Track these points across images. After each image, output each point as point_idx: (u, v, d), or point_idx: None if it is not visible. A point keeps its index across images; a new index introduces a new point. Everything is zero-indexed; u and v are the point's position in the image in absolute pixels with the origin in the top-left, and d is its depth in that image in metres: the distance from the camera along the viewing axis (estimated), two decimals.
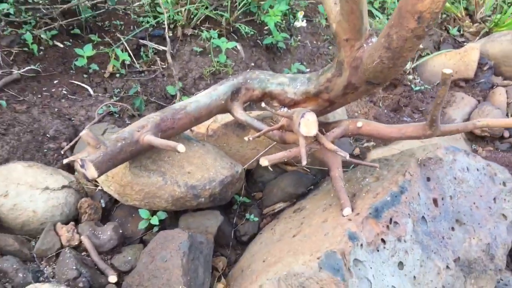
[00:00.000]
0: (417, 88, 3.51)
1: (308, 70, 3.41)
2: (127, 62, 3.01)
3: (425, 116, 3.32)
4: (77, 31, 3.05)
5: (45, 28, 2.89)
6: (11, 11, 2.61)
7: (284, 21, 3.34)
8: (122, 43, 3.05)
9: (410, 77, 3.66)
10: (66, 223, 1.91)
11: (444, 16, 4.42)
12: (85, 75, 2.89)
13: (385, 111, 3.31)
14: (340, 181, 1.89)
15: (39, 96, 2.69)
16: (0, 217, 1.89)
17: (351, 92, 1.92)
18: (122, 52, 2.89)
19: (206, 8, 3.20)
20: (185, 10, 3.14)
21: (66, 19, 2.95)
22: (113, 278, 1.73)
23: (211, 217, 2.00)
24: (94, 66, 2.88)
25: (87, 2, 2.81)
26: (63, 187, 1.97)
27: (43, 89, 2.76)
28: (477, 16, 4.59)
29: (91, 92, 2.79)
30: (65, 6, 2.74)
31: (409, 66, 3.71)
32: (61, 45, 2.98)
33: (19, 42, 2.83)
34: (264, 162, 1.74)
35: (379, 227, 1.76)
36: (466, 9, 4.58)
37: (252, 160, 2.28)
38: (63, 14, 2.95)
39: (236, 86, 2.17)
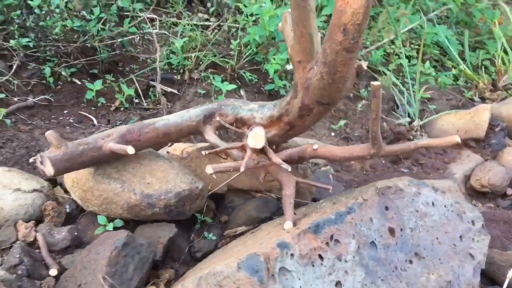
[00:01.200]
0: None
1: None
2: (136, 100, 3.23)
3: (424, 169, 3.27)
4: (95, 71, 3.33)
5: (65, 65, 3.19)
6: (31, 44, 2.91)
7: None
8: (134, 83, 3.29)
9: (417, 133, 3.65)
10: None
11: (464, 83, 4.42)
12: (93, 108, 3.13)
13: (383, 161, 3.29)
14: (289, 198, 1.90)
15: (47, 122, 2.93)
16: None
17: (307, 114, 1.98)
18: (128, 88, 3.11)
19: (214, 56, 3.42)
20: (194, 57, 3.37)
21: (86, 56, 3.24)
22: (53, 272, 1.80)
23: (166, 229, 2.05)
24: (102, 100, 3.12)
25: (103, 42, 3.08)
26: (34, 190, 2.12)
27: (52, 116, 3.00)
28: (499, 84, 4.57)
29: (95, 122, 3.01)
30: (78, 44, 3.01)
31: (416, 123, 3.71)
32: (79, 82, 3.27)
33: (39, 75, 3.14)
34: (209, 170, 1.81)
35: (317, 242, 1.74)
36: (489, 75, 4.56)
37: (222, 184, 2.34)
38: (83, 52, 3.25)
39: (210, 110, 2.29)
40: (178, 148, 2.39)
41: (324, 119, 3.55)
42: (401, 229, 1.98)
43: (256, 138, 1.83)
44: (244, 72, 3.37)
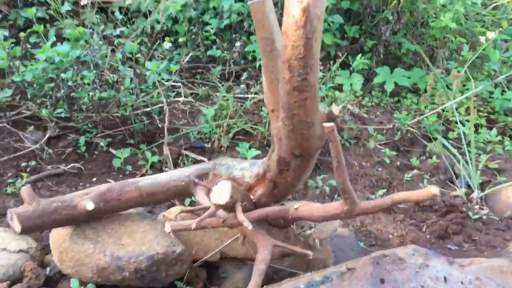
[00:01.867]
0: (476, 216, 3.02)
1: None
2: (166, 169, 3.22)
3: (478, 247, 2.80)
4: (131, 141, 3.41)
5: (101, 135, 3.30)
6: (63, 115, 3.07)
7: None
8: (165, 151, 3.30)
9: (476, 206, 3.19)
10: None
11: None
12: (121, 176, 3.16)
13: (428, 236, 2.88)
14: (260, 263, 1.67)
15: (73, 188, 2.99)
16: None
17: (286, 169, 1.79)
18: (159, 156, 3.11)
19: (245, 123, 3.36)
20: (225, 124, 3.34)
21: (122, 126, 3.33)
22: None
23: None
24: (129, 168, 3.14)
25: (135, 112, 3.17)
26: (20, 251, 2.09)
27: (80, 184, 3.07)
28: None
29: None
30: (110, 114, 3.12)
31: (476, 195, 3.26)
32: (114, 152, 3.35)
33: (75, 145, 3.27)
34: (167, 228, 1.66)
35: None
36: None
37: (214, 251, 2.15)
38: (119, 123, 3.35)
39: (203, 170, 2.17)
40: (173, 211, 2.27)
41: (363, 189, 3.26)
42: None
43: (220, 192, 1.66)
44: None
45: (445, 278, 1.70)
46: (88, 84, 2.93)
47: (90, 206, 1.78)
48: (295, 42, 1.31)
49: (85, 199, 1.92)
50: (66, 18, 3.70)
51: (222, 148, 3.31)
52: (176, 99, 3.38)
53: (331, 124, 1.35)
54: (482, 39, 3.87)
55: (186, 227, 1.69)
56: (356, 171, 3.38)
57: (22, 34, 3.11)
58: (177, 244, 2.00)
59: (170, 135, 3.43)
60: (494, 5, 5.10)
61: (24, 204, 1.87)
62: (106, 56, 3.05)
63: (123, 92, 3.11)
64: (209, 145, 3.35)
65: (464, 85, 4.31)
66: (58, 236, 1.99)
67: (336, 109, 1.55)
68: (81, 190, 2.00)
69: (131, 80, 3.14)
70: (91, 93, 2.89)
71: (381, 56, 4.29)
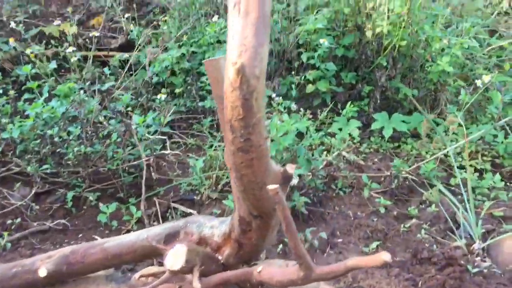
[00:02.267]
0: (476, 270, 2.85)
1: (340, 240, 3.11)
2: (155, 223, 3.16)
3: None
4: (121, 195, 3.38)
5: (90, 189, 3.29)
6: (48, 171, 3.06)
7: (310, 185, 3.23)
8: (154, 205, 3.26)
9: (477, 258, 3.02)
10: None
11: None
12: (107, 231, 3.10)
13: None
14: None
15: (57, 246, 2.95)
16: None
17: (248, 230, 1.71)
18: (137, 211, 3.06)
19: None
20: (213, 176, 3.29)
21: (110, 180, 3.31)
22: None
23: None
24: (114, 223, 3.09)
25: (122, 165, 3.15)
26: None
27: (65, 241, 3.02)
28: None
29: None
30: (96, 168, 3.10)
31: (477, 246, 3.10)
32: (105, 206, 3.31)
33: (63, 200, 3.25)
34: None
35: None
36: None
37: None
38: (107, 177, 3.33)
39: (174, 229, 2.10)
40: (146, 270, 2.19)
41: (357, 241, 3.13)
42: None
43: (176, 257, 1.59)
44: None
45: None
46: (74, 140, 2.93)
47: (42, 272, 1.72)
48: (233, 103, 1.27)
49: (46, 262, 1.86)
50: (52, 76, 3.78)
51: (212, 201, 3.24)
52: (163, 151, 3.34)
53: (275, 186, 1.28)
54: (479, 82, 3.79)
55: None
56: (350, 222, 3.26)
57: (11, 93, 3.16)
58: None
59: (160, 188, 3.39)
60: (498, 45, 5.05)
61: None
62: (92, 112, 3.06)
63: (110, 146, 3.10)
64: (198, 198, 3.28)
65: (468, 128, 4.21)
66: None
67: (291, 168, 1.48)
68: (44, 254, 1.94)
69: (123, 134, 3.14)
70: (76, 149, 2.88)
71: (378, 101, 4.23)
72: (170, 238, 2.08)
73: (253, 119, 1.30)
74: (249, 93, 1.25)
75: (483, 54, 4.98)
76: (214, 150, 3.42)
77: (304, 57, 4.15)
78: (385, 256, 1.38)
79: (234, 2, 1.20)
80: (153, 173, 3.37)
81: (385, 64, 4.10)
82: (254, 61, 1.22)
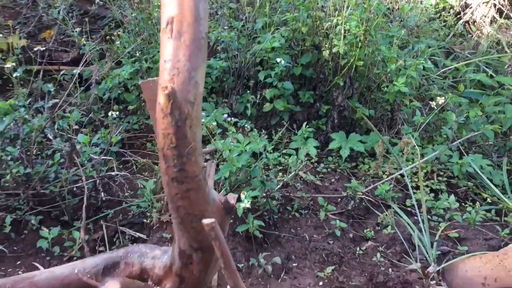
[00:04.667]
0: None
1: (295, 264, 3.02)
2: (101, 248, 2.99)
3: None
4: (65, 218, 3.19)
5: (31, 212, 3.09)
6: None
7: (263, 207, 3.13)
8: (102, 229, 3.09)
9: (432, 282, 2.99)
10: None
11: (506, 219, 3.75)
12: (48, 258, 2.91)
13: None
14: None
15: None
16: None
17: (189, 262, 1.59)
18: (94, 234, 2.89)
19: None
20: (165, 198, 3.15)
21: (54, 203, 3.12)
22: None
23: None
24: (57, 249, 2.91)
25: (65, 187, 2.98)
26: None
27: (2, 268, 2.81)
28: None
29: None
30: (37, 191, 2.92)
31: (432, 269, 3.06)
32: (46, 230, 3.11)
33: (1, 224, 3.03)
34: None
35: None
36: None
37: None
38: (54, 198, 3.14)
39: (113, 259, 1.96)
40: None
41: (313, 265, 3.04)
42: None
43: None
44: None
45: None
46: (13, 160, 2.74)
47: None
48: (164, 131, 1.17)
49: None
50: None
51: (163, 224, 3.10)
52: (109, 173, 3.18)
53: (210, 220, 1.18)
54: (433, 104, 3.81)
55: None
56: (306, 245, 3.18)
57: None
58: None
59: (109, 210, 3.23)
60: (453, 67, 5.14)
61: None
62: (34, 130, 2.88)
63: (53, 167, 2.92)
64: (148, 221, 3.14)
65: (424, 148, 4.23)
66: None
67: (232, 198, 1.38)
68: None
69: (68, 154, 2.97)
70: (14, 170, 2.70)
71: (336, 121, 4.21)
72: (109, 269, 1.94)
73: (186, 148, 1.19)
74: (181, 120, 1.15)
75: (438, 75, 5.06)
76: None
77: (261, 76, 4.09)
78: None
79: (167, 21, 1.10)
80: (102, 193, 3.21)
81: (342, 83, 4.08)
82: (187, 86, 1.13)
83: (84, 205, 2.72)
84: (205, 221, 1.20)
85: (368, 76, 4.31)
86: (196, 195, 1.30)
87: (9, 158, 2.76)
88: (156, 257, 1.89)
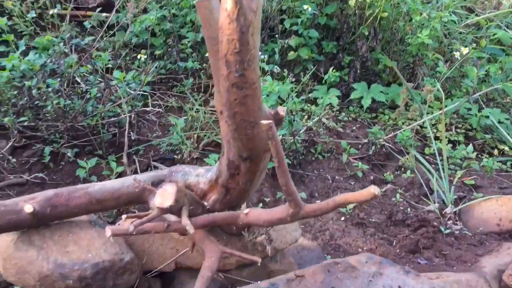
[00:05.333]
0: (448, 231, 2.96)
1: (318, 201, 3.16)
2: None
3: (448, 261, 2.73)
4: (100, 152, 3.34)
5: (68, 145, 3.24)
6: (26, 123, 3.00)
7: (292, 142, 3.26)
8: (134, 163, 3.24)
9: (450, 222, 3.13)
10: None
11: None
12: None
13: (398, 250, 2.81)
14: (205, 271, 1.60)
15: None
16: None
17: (236, 173, 1.73)
18: (117, 166, 3.04)
19: (216, 135, 3.31)
20: (195, 136, 3.29)
21: (90, 136, 3.27)
22: None
23: None
24: (94, 178, 3.07)
25: (102, 121, 3.11)
26: None
27: None
28: None
29: None
30: (76, 124, 3.06)
31: (449, 209, 3.21)
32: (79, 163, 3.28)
33: (40, 155, 3.19)
34: (107, 232, 1.59)
35: None
36: None
37: (169, 261, 2.07)
38: (88, 133, 3.28)
39: (159, 177, 2.10)
40: (129, 220, 2.19)
41: None
42: None
43: (164, 196, 1.60)
44: None
45: (399, 287, 1.63)
46: (53, 93, 2.87)
47: (28, 208, 1.71)
48: (229, 36, 1.27)
49: (30, 203, 1.84)
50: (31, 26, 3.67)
51: (193, 160, 3.25)
52: (144, 108, 3.31)
53: (268, 121, 1.30)
54: (457, 54, 3.87)
55: (126, 231, 1.62)
56: (328, 185, 3.32)
57: None
58: (126, 252, 1.92)
59: (140, 146, 3.37)
60: (474, 21, 5.14)
61: None
62: (72, 66, 2.99)
63: (90, 102, 3.06)
64: (179, 157, 3.28)
65: (441, 102, 4.30)
66: (1, 243, 1.90)
67: (282, 110, 1.50)
68: (27, 196, 1.93)
69: (103, 90, 3.10)
70: (55, 102, 2.83)
71: (358, 71, 4.28)
72: (155, 185, 2.07)
73: (248, 55, 1.30)
74: (245, 26, 1.26)
75: (459, 33, 5.07)
76: (196, 111, 3.41)
77: (287, 24, 4.14)
78: (374, 189, 1.42)
79: None
80: (131, 133, 3.35)
81: (367, 33, 4.13)
82: None
83: (126, 132, 2.86)
84: (263, 122, 1.33)
85: (392, 28, 4.35)
86: (252, 102, 1.41)
87: (50, 90, 2.88)
88: (200, 174, 2.03)
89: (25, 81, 2.85)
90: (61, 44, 3.04)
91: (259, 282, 1.53)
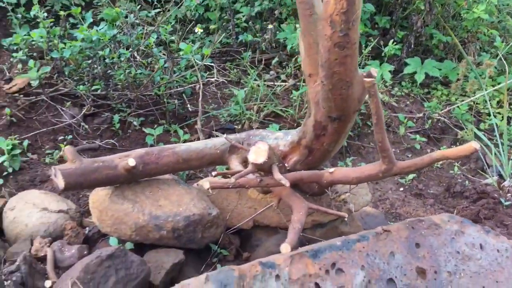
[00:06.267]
0: (508, 202, 2.99)
1: None
2: None
3: (510, 231, 2.77)
4: (163, 121, 3.48)
5: (134, 114, 3.39)
6: (99, 92, 3.16)
7: None
8: (196, 132, 3.37)
9: (508, 195, 3.16)
10: None
11: None
12: None
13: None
14: (295, 223, 1.70)
15: None
16: (4, 227, 2.14)
17: (322, 134, 1.81)
18: (184, 134, 3.17)
19: (275, 106, 3.40)
20: (255, 107, 3.38)
21: (154, 106, 3.41)
22: (47, 283, 1.77)
23: (172, 255, 1.92)
24: (161, 144, 3.20)
25: (167, 91, 3.24)
26: (60, 211, 2.16)
27: None
28: None
29: None
30: (143, 93, 3.19)
31: (508, 183, 3.23)
32: (146, 130, 3.42)
33: (109, 122, 3.35)
34: (205, 184, 1.71)
35: (315, 268, 1.50)
36: None
37: (247, 219, 2.19)
38: (152, 102, 3.42)
39: (237, 140, 2.21)
40: (208, 180, 2.31)
41: None
42: (435, 272, 1.64)
43: (258, 153, 1.70)
44: None
45: (481, 245, 1.70)
46: (124, 62, 3.01)
47: (131, 162, 1.84)
48: None
49: (124, 160, 1.98)
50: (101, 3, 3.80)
51: (252, 129, 3.34)
52: (209, 78, 3.42)
53: (371, 78, 1.38)
54: None
55: (224, 184, 1.73)
56: None
57: (61, 13, 3.20)
58: (213, 207, 2.05)
59: (201, 116, 3.48)
60: None
61: (67, 162, 1.94)
62: (142, 37, 3.12)
63: (157, 72, 3.18)
64: (239, 127, 3.39)
65: (494, 80, 4.27)
66: (97, 197, 2.05)
67: (374, 71, 1.57)
68: (121, 153, 2.06)
69: (164, 61, 3.22)
70: (127, 71, 2.96)
71: (412, 46, 4.28)
72: (234, 148, 2.19)
73: (353, 15, 1.37)
74: None
75: None
76: (255, 82, 3.49)
77: None
78: (475, 144, 1.49)
79: None
80: (188, 105, 3.46)
81: (423, 7, 4.11)
82: None
83: (200, 99, 2.98)
84: (367, 78, 1.40)
85: (446, 3, 4.32)
86: (351, 61, 1.49)
87: (121, 59, 3.01)
88: (278, 137, 2.13)
89: (98, 51, 2.98)
90: (131, 15, 3.15)
91: (350, 235, 1.62)
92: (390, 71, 4.11)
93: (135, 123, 3.34)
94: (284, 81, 3.77)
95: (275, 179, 1.69)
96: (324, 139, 1.83)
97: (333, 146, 1.85)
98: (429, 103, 3.73)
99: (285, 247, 1.57)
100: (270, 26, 3.84)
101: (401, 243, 1.65)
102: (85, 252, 1.98)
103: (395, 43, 4.31)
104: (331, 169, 1.82)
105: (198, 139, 3.32)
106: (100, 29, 3.17)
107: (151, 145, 3.21)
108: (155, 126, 3.40)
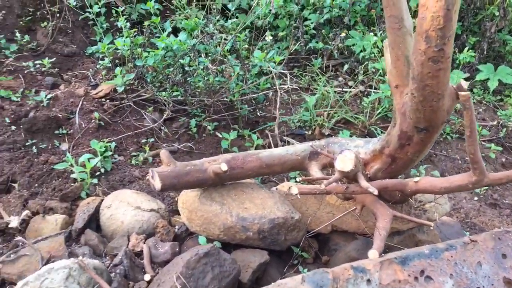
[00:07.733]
0: None
1: None
2: None
3: None
4: (235, 126, 3.62)
5: (209, 119, 3.54)
6: (179, 98, 3.33)
7: None
8: (267, 137, 3.48)
9: None
10: None
11: None
12: None
13: None
14: (381, 230, 1.76)
15: None
16: (101, 224, 2.33)
17: (407, 143, 1.86)
18: (258, 139, 3.28)
19: (346, 112, 3.45)
20: (325, 113, 3.45)
21: (227, 111, 3.55)
22: (147, 277, 1.92)
23: (257, 255, 2.03)
24: (235, 149, 3.34)
25: (241, 98, 3.37)
26: (151, 210, 2.33)
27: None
28: None
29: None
30: (219, 99, 3.34)
31: None
32: (220, 135, 3.58)
33: (186, 127, 3.53)
34: (294, 190, 1.80)
35: (404, 274, 1.55)
36: None
37: (326, 223, 2.27)
38: (226, 108, 3.57)
39: (317, 147, 2.29)
40: (286, 185, 2.42)
41: None
42: None
43: (345, 161, 1.77)
44: (376, 128, 3.30)
45: None
46: (203, 70, 3.16)
47: (224, 167, 1.97)
48: (435, 13, 1.40)
49: (213, 164, 2.11)
50: (179, 11, 3.99)
51: (323, 137, 3.41)
52: (283, 85, 3.53)
53: (467, 92, 1.42)
54: None
55: (311, 190, 1.82)
56: (457, 165, 3.35)
57: (146, 22, 3.40)
58: (295, 212, 2.14)
59: (271, 122, 3.59)
60: None
61: (163, 165, 2.09)
62: (219, 45, 3.26)
63: (233, 79, 3.31)
64: (309, 133, 3.46)
65: None
66: (187, 198, 2.19)
67: (464, 83, 1.61)
68: (209, 158, 2.19)
69: (240, 69, 3.35)
70: (206, 78, 3.11)
71: (484, 53, 4.20)
72: (313, 154, 2.28)
73: (450, 31, 1.42)
74: (451, 4, 1.38)
75: None
76: (325, 89, 3.56)
77: (412, 2, 4.15)
78: None
79: None
80: (257, 110, 3.57)
81: (497, 13, 4.04)
82: None
83: (277, 105, 3.10)
84: (462, 92, 1.45)
85: None
86: (444, 75, 1.54)
87: (201, 67, 3.17)
88: (358, 145, 2.19)
89: (179, 60, 3.15)
90: (211, 25, 3.31)
91: (437, 244, 1.66)
92: (465, 79, 4.05)
93: (209, 127, 3.49)
94: (352, 87, 3.82)
95: (361, 186, 1.75)
96: (409, 149, 1.87)
97: (417, 155, 1.90)
98: (503, 111, 3.65)
99: (373, 253, 1.63)
100: (342, 34, 3.89)
101: (488, 253, 1.67)
102: (177, 249, 2.12)
103: (467, 49, 4.26)
104: (416, 178, 1.86)
105: (270, 144, 3.43)
106: (180, 39, 3.35)
107: (226, 149, 3.35)
108: (230, 130, 3.54)
